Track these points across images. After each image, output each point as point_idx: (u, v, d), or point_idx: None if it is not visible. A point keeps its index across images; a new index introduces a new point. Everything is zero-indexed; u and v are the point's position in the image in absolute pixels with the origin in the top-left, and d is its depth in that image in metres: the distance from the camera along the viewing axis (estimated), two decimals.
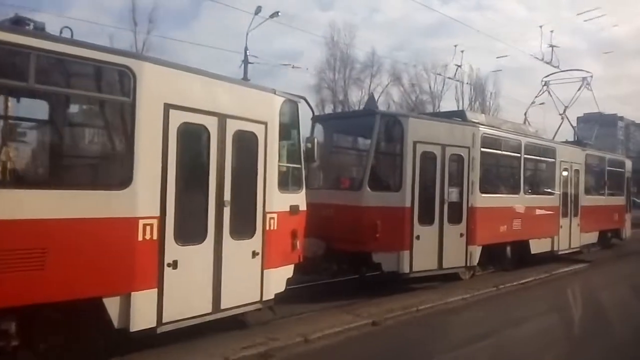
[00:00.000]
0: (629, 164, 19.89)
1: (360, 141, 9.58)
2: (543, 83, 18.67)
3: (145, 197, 5.47)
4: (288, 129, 7.56)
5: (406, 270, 9.32)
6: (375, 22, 74.31)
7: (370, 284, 10.01)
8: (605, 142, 44.39)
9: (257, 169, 6.81)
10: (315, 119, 10.17)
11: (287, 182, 7.54)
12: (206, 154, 6.21)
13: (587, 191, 15.71)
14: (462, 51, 32.56)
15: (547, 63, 20.08)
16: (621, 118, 79.89)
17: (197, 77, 6.13)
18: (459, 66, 30.66)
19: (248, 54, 24.38)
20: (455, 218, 10.19)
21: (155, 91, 5.61)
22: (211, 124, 6.22)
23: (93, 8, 46.11)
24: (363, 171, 9.07)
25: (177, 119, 5.80)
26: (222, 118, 6.32)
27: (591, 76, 18.14)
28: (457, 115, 11.42)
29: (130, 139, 5.42)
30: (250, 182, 6.78)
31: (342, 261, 9.55)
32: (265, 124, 6.92)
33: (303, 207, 7.75)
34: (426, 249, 9.62)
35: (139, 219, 5.42)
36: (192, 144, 6.16)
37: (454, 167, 10.28)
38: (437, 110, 43.03)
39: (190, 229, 6.03)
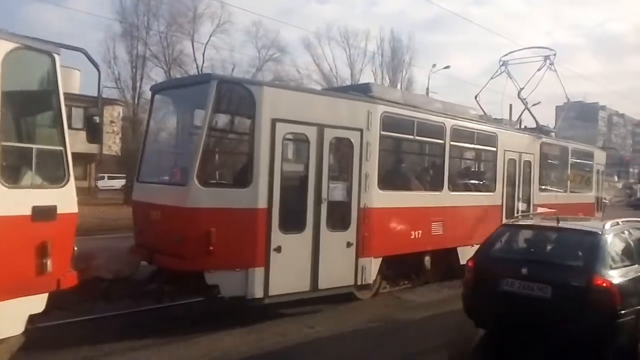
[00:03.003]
0: (600, 156, 17.48)
1: (198, 118, 7.10)
2: (501, 63, 16.15)
3: None
4: (28, 91, 5.10)
5: (258, 294, 6.83)
6: (374, 14, 71.76)
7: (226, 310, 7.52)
8: (586, 134, 41.79)
9: None
10: (153, 89, 7.68)
11: (26, 171, 5.05)
12: None
13: (543, 187, 13.27)
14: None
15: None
16: (603, 107, 77.31)
17: None
18: None
19: None
20: (339, 223, 7.72)
21: None
22: None
23: None
24: (190, 159, 6.54)
25: None
26: None
27: (554, 54, 15.63)
28: (361, 90, 8.90)
29: None
30: None
31: (180, 280, 7.06)
32: None
33: (69, 208, 5.26)
34: (292, 265, 7.15)
35: None
36: None
37: (339, 155, 7.83)
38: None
39: None
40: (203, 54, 31.53)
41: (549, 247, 6.52)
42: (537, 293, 5.58)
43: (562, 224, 6.42)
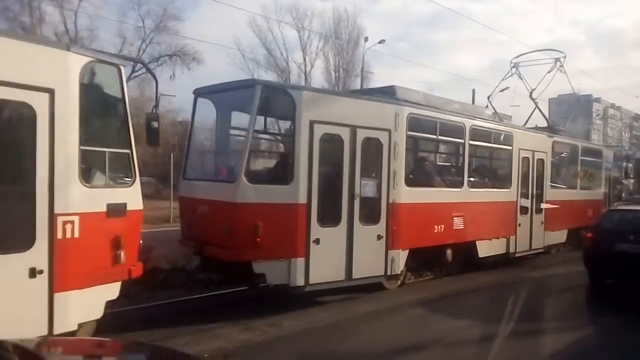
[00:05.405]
0: (608, 154, 17.99)
1: (242, 120, 7.66)
2: (512, 65, 16.64)
3: None
4: (101, 100, 5.65)
5: (300, 282, 7.40)
6: (375, 12, 71.78)
7: (269, 297, 8.06)
8: (579, 127, 40.95)
9: (34, 154, 4.85)
10: (196, 93, 8.24)
11: (101, 172, 5.59)
12: None
13: (555, 184, 13.78)
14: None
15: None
16: (598, 100, 75.35)
17: None
18: None
19: None
20: (370, 217, 8.27)
21: None
22: None
23: None
24: (238, 158, 7.09)
25: None
26: None
27: (564, 56, 16.12)
28: (386, 92, 9.44)
29: None
30: (15, 173, 4.88)
31: (226, 270, 7.61)
32: (51, 91, 4.95)
33: (136, 205, 5.82)
34: (329, 256, 7.71)
35: None
36: None
37: (370, 154, 8.34)
38: (308, 80, 34.78)
39: None
40: (75, 23, 27.05)
41: None
42: None
43: None
